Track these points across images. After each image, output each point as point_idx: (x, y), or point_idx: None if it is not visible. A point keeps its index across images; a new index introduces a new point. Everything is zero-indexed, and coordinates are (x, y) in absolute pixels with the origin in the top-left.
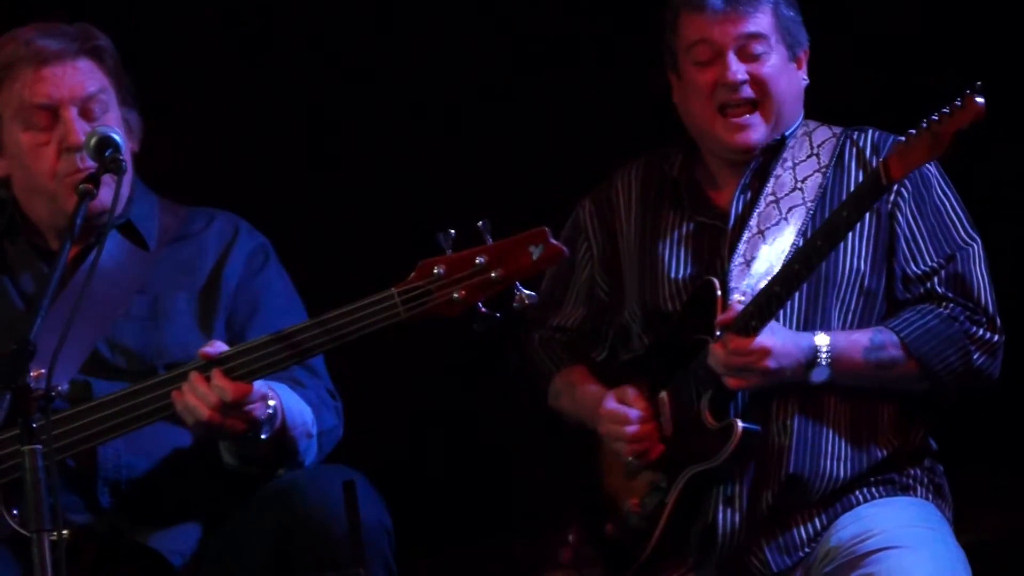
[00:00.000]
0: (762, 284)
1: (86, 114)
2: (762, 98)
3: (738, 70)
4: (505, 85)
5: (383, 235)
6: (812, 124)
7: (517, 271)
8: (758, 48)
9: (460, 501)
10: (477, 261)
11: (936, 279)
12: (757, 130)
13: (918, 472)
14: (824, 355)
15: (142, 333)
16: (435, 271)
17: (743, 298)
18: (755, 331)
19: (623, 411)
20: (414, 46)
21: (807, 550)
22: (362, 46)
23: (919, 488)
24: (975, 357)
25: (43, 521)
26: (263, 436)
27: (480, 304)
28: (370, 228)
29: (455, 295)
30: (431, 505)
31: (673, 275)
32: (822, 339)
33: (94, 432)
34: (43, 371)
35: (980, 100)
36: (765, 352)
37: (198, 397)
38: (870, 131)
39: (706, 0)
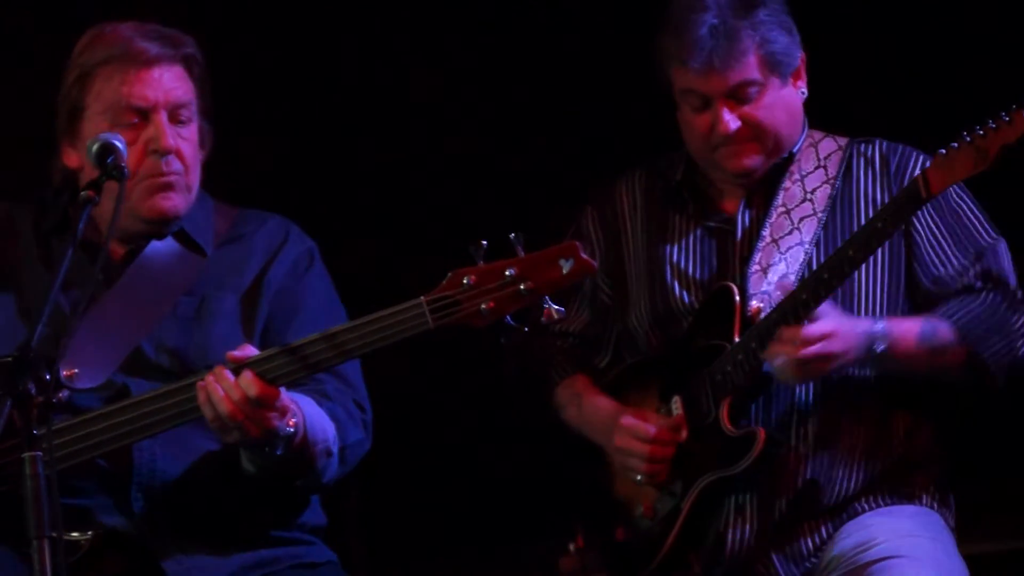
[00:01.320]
0: (778, 293)
1: (174, 121)
2: (759, 135)
3: (730, 120)
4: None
5: (415, 244)
6: (817, 135)
7: (546, 284)
8: (750, 92)
9: (461, 507)
10: (507, 273)
11: (971, 273)
12: (755, 157)
13: (924, 480)
14: (880, 341)
15: (186, 333)
16: (465, 281)
17: (762, 305)
18: (805, 318)
19: (643, 427)
20: (446, 56)
21: (815, 560)
22: (394, 56)
23: (924, 496)
24: (1019, 345)
25: (43, 527)
26: (278, 452)
27: (508, 316)
28: (402, 237)
29: (483, 306)
30: (433, 511)
31: (684, 277)
32: (880, 325)
33: (125, 432)
34: (76, 371)
35: None
36: (830, 334)
37: (224, 389)
38: (878, 142)
39: (690, 57)
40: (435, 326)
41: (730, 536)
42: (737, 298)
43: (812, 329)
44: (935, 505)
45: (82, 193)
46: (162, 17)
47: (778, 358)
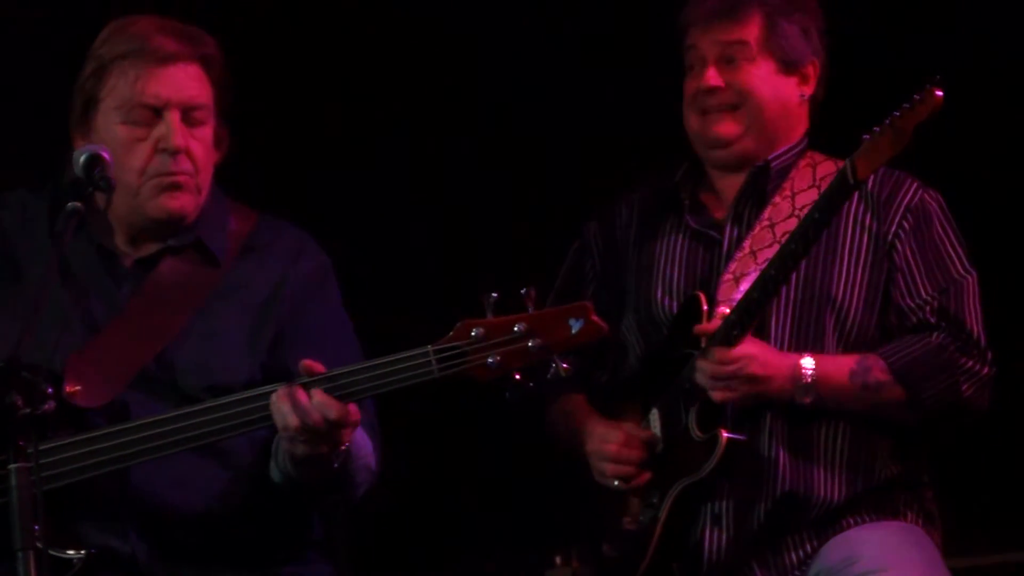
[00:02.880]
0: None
1: (187, 121)
2: (740, 103)
3: (712, 76)
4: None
5: (429, 289)
6: (818, 157)
7: (555, 343)
8: (738, 55)
9: (453, 521)
10: (516, 328)
11: (928, 309)
12: (732, 127)
13: (909, 497)
14: (809, 372)
15: (192, 350)
16: (473, 333)
17: (727, 311)
18: (737, 340)
19: (611, 431)
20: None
21: (797, 574)
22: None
23: (909, 514)
24: (963, 388)
25: (29, 539)
26: (335, 466)
27: (515, 372)
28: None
29: (490, 360)
30: (424, 524)
31: (666, 281)
32: (807, 359)
33: (119, 455)
34: (79, 388)
35: (939, 93)
36: (749, 358)
37: (314, 407)
38: None
39: (697, 8)
40: (440, 376)
41: (707, 544)
42: (704, 306)
43: (730, 352)
44: (920, 522)
45: (69, 205)
46: (185, 13)
47: (700, 374)
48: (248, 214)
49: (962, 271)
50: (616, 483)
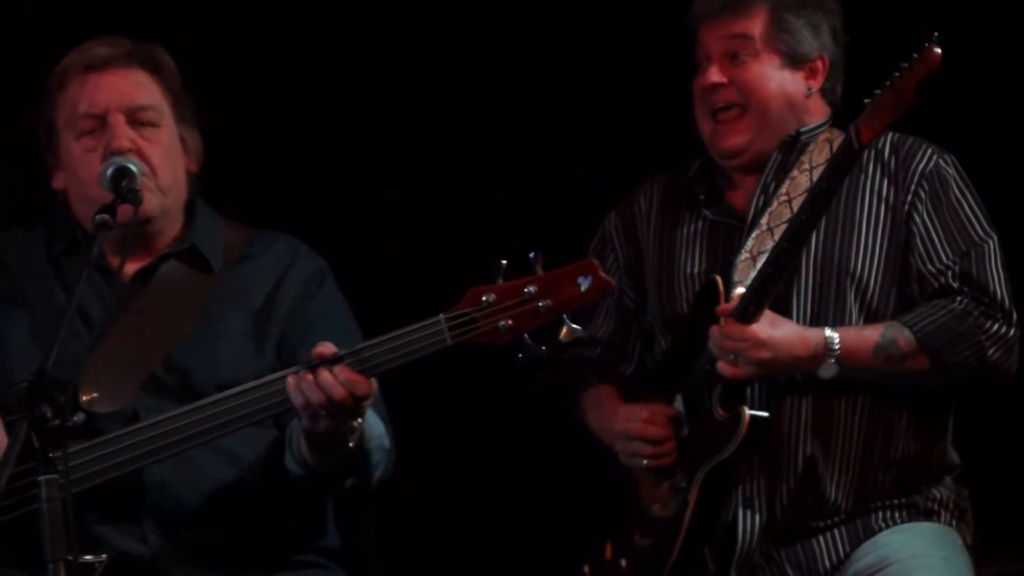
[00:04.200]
0: None
1: (136, 123)
2: (745, 102)
3: (714, 72)
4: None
5: (434, 261)
6: (836, 132)
7: (565, 302)
8: (742, 52)
9: (477, 527)
10: (526, 291)
11: (950, 274)
12: (739, 135)
13: (942, 494)
14: (834, 350)
15: (195, 353)
16: (484, 299)
17: (744, 290)
18: (754, 317)
19: (637, 410)
20: (476, 70)
21: None
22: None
23: (943, 513)
24: (989, 352)
25: (60, 550)
26: (350, 444)
27: (526, 335)
28: (422, 254)
29: (502, 324)
30: (448, 531)
31: (688, 276)
32: (831, 333)
33: (135, 456)
34: (95, 395)
35: (937, 50)
36: (759, 342)
37: (341, 383)
38: (889, 134)
39: (703, 5)
40: (453, 343)
41: (740, 527)
42: (721, 288)
43: (742, 329)
44: (953, 523)
45: (97, 217)
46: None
47: (711, 343)
48: (240, 229)
49: (982, 234)
50: (645, 462)
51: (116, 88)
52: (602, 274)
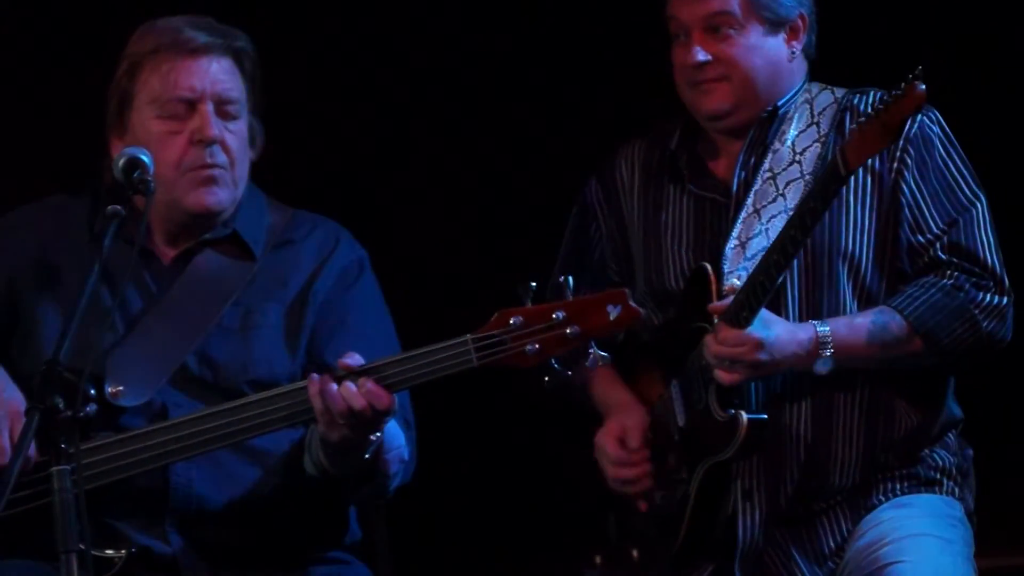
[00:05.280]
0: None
1: (221, 114)
2: (730, 74)
3: (698, 51)
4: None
5: (467, 280)
6: (815, 89)
7: (593, 329)
8: (724, 27)
9: (490, 523)
10: (555, 316)
11: (939, 245)
12: (723, 101)
13: (945, 459)
14: (827, 346)
15: (230, 345)
16: (512, 321)
17: (739, 283)
18: (747, 322)
19: (604, 440)
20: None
21: (837, 560)
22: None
23: (945, 481)
24: (984, 325)
25: (72, 542)
26: (367, 456)
27: (553, 360)
28: (455, 271)
29: (529, 347)
30: (461, 527)
31: (676, 252)
32: (823, 329)
33: (160, 453)
34: (121, 388)
35: (921, 87)
36: (756, 344)
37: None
38: (871, 92)
39: None
40: (480, 364)
41: (740, 520)
42: (712, 278)
43: (738, 334)
44: (955, 492)
45: (108, 208)
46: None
47: (707, 351)
48: (284, 210)
49: (971, 196)
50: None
51: (209, 76)
52: (631, 304)
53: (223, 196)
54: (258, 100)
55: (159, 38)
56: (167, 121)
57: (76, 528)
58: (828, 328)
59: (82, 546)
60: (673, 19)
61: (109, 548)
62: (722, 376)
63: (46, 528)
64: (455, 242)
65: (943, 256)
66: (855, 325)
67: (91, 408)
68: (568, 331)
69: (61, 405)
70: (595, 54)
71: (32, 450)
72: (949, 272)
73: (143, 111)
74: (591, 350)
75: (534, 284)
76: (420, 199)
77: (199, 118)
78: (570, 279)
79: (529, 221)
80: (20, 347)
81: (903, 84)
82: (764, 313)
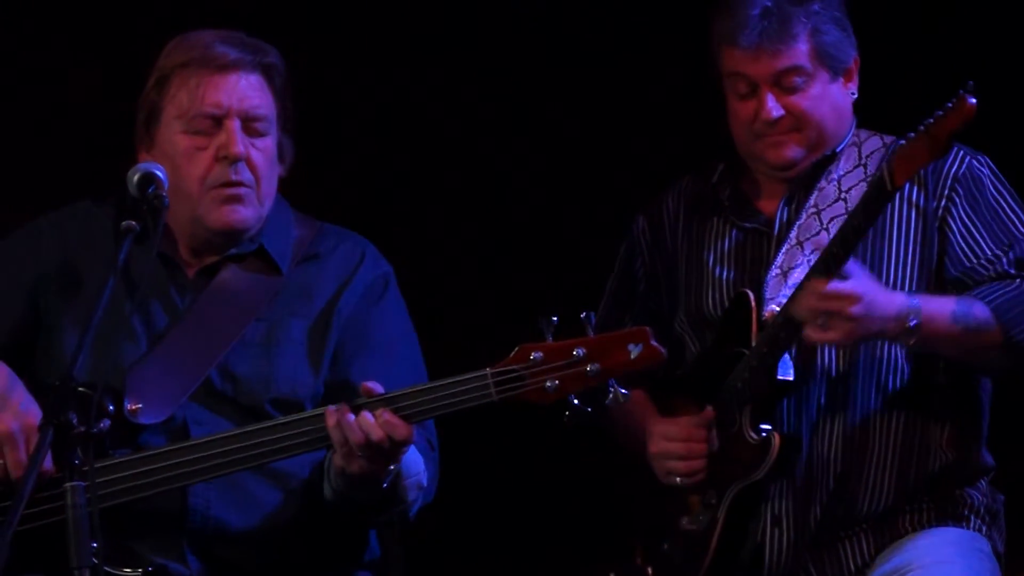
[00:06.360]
0: None
1: (248, 131)
2: (802, 127)
3: (774, 107)
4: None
5: (488, 313)
6: (864, 134)
7: (614, 367)
8: (796, 80)
9: (507, 536)
10: (575, 353)
11: (1004, 261)
12: (796, 149)
13: (975, 498)
14: (917, 311)
15: (254, 361)
16: (532, 357)
17: (776, 309)
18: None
19: (672, 428)
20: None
21: None
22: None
23: (973, 518)
24: None
25: (85, 558)
26: (384, 486)
27: (573, 396)
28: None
29: (549, 384)
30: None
31: (716, 279)
32: (914, 300)
33: (178, 474)
34: (140, 405)
35: (972, 100)
36: (855, 297)
37: (380, 426)
38: None
39: (740, 36)
40: (499, 399)
41: (768, 545)
42: (753, 304)
43: (840, 286)
44: (983, 529)
45: (123, 224)
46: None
47: (802, 310)
48: (311, 223)
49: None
50: (679, 480)
51: (237, 92)
52: (654, 343)
53: (247, 214)
54: (289, 116)
55: (189, 52)
56: (193, 137)
57: (89, 544)
58: (917, 300)
59: (95, 561)
60: (737, 75)
61: (127, 567)
62: (812, 335)
63: (61, 544)
64: (482, 263)
65: (1011, 270)
66: (942, 302)
67: (105, 424)
68: (588, 368)
69: (75, 420)
70: (635, 91)
71: (49, 463)
72: (1020, 282)
73: (171, 125)
74: (611, 387)
75: (556, 318)
76: (452, 229)
77: (225, 135)
78: (592, 315)
79: (557, 250)
80: (43, 356)
81: (955, 97)
82: (856, 268)
